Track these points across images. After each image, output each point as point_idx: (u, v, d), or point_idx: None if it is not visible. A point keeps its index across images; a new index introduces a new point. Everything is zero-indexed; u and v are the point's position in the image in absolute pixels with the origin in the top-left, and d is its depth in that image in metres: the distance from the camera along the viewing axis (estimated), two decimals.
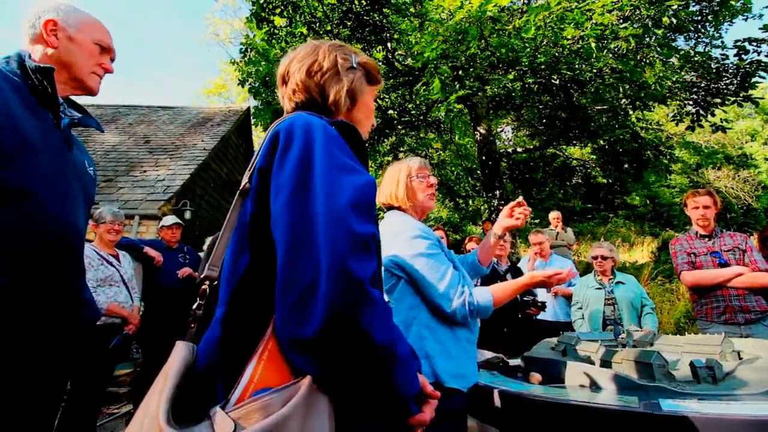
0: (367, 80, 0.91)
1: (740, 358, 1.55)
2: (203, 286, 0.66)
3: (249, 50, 7.84)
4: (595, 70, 5.62)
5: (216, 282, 0.67)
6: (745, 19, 6.30)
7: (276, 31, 7.00)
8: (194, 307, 0.65)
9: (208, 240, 4.37)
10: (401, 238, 1.34)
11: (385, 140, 8.35)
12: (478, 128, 8.22)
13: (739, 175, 13.48)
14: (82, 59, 1.10)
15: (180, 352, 0.59)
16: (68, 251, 1.00)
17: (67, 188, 1.03)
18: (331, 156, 0.63)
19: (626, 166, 8.48)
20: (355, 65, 0.87)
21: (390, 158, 9.11)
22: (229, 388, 0.54)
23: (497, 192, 7.88)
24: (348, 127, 0.74)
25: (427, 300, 1.30)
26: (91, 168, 1.22)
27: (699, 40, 6.61)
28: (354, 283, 0.52)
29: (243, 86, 8.08)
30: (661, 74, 5.78)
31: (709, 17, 6.11)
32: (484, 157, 8.16)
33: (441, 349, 1.27)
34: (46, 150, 0.96)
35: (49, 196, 0.94)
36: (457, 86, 5.00)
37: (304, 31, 7.00)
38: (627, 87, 5.97)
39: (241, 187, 0.70)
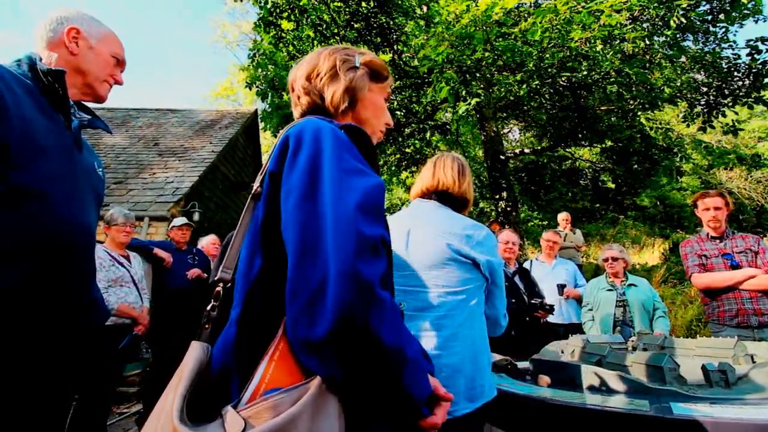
0: (372, 78, 0.90)
1: (753, 362, 1.52)
2: (217, 288, 0.68)
3: (257, 54, 7.92)
4: (602, 73, 5.57)
5: (229, 284, 0.69)
6: (756, 21, 6.21)
7: (283, 35, 7.05)
8: (208, 308, 0.67)
9: (202, 241, 4.41)
10: (491, 243, 1.30)
11: (392, 141, 8.35)
12: (485, 130, 8.19)
13: (751, 176, 13.24)
14: (98, 68, 1.14)
15: (195, 352, 0.61)
16: (78, 251, 1.01)
17: (78, 189, 1.04)
18: (339, 159, 0.63)
19: (636, 167, 8.38)
20: (357, 64, 0.87)
21: (396, 157, 9.12)
22: (242, 388, 0.55)
23: (504, 193, 7.84)
24: (357, 130, 0.75)
25: (491, 312, 1.33)
26: (101, 169, 1.24)
27: (708, 40, 6.52)
28: (362, 285, 0.53)
29: (251, 89, 8.16)
30: (670, 75, 5.71)
31: (720, 16, 6.02)
32: (490, 159, 8.13)
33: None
34: (57, 151, 0.98)
35: (60, 196, 0.96)
36: (464, 92, 4.98)
37: (311, 34, 7.04)
38: (634, 90, 5.90)
39: (253, 191, 0.72)
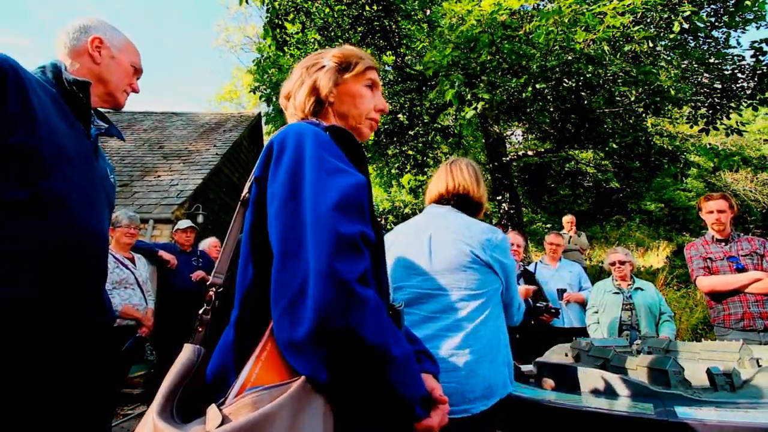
0: (343, 69, 0.88)
1: (759, 366, 1.51)
2: (209, 293, 0.70)
3: (261, 58, 7.96)
4: (609, 75, 5.55)
5: (221, 288, 0.71)
6: (758, 28, 6.21)
7: (288, 38, 7.08)
8: (201, 311, 0.69)
9: (202, 244, 4.44)
10: (506, 246, 1.36)
11: (394, 143, 8.36)
12: (488, 132, 8.19)
13: (757, 178, 13.13)
14: (119, 77, 1.17)
15: (184, 354, 0.62)
16: (96, 256, 1.03)
17: (95, 196, 1.06)
18: (319, 161, 0.64)
19: (641, 169, 8.34)
20: (325, 63, 0.87)
21: (399, 159, 9.13)
22: None
23: (507, 195, 7.83)
24: (340, 130, 0.76)
25: (506, 309, 1.37)
26: (112, 176, 1.27)
27: (711, 45, 6.50)
28: (340, 283, 0.53)
29: (255, 93, 8.20)
30: (675, 77, 5.67)
31: (725, 18, 6.00)
32: (493, 161, 8.12)
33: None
34: (78, 160, 1.00)
35: (80, 204, 0.98)
36: (469, 96, 4.98)
37: (316, 37, 7.08)
38: (640, 91, 5.87)
39: (241, 198, 0.73)
